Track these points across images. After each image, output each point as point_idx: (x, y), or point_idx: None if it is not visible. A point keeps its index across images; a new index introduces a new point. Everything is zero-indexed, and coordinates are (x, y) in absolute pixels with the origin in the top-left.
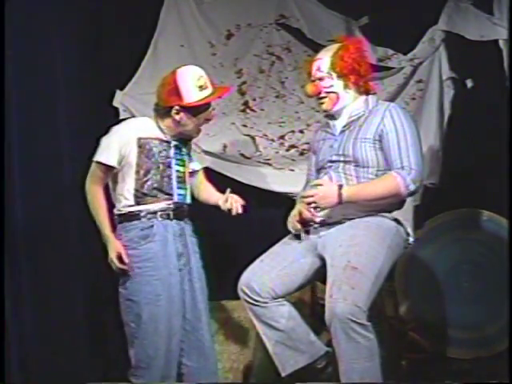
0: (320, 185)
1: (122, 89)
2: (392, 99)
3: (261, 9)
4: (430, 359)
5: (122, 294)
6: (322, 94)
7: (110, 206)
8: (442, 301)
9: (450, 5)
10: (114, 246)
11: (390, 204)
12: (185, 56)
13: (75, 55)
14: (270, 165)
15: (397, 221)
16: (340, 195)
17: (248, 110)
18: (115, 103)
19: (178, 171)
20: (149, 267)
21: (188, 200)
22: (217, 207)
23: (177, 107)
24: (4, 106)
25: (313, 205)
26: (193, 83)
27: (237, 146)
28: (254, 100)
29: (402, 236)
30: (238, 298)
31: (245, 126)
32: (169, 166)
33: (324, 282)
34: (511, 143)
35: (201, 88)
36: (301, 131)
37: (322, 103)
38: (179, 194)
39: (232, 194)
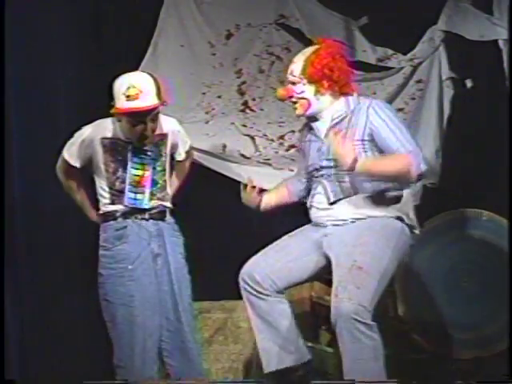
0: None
1: None
2: (392, 99)
3: (260, 9)
4: (430, 359)
5: (100, 294)
6: (294, 99)
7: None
8: (441, 301)
9: (450, 5)
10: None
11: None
12: (185, 56)
13: (75, 55)
14: (269, 165)
15: (401, 219)
16: (356, 161)
17: (248, 110)
18: None
19: (133, 175)
20: (122, 268)
21: (145, 205)
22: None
23: (113, 110)
24: (4, 106)
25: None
26: (120, 91)
27: (237, 146)
28: (254, 100)
29: (407, 234)
30: (237, 298)
31: (244, 125)
32: (125, 168)
33: (325, 281)
34: (511, 143)
35: (128, 98)
36: (300, 135)
37: (295, 108)
38: (130, 198)
39: None
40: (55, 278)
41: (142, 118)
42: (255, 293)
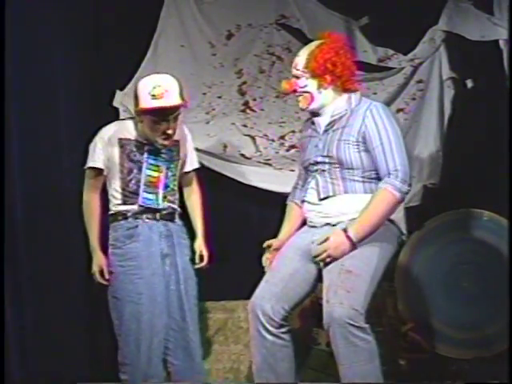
0: (327, 239)
1: (122, 89)
2: (392, 99)
3: (261, 9)
4: (429, 359)
5: (109, 292)
6: (297, 93)
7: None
8: (441, 301)
9: (450, 5)
10: (98, 260)
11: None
12: (185, 56)
13: (75, 55)
14: (270, 165)
15: (389, 220)
16: (349, 238)
17: (248, 110)
18: (115, 103)
19: (148, 175)
20: (132, 266)
21: (159, 205)
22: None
23: (137, 110)
24: (4, 106)
25: (328, 259)
26: (147, 91)
27: (237, 146)
28: (255, 100)
29: (394, 233)
30: (237, 298)
31: (245, 126)
32: (140, 169)
33: None
34: (511, 143)
35: (154, 97)
36: (301, 131)
37: (299, 101)
38: (145, 198)
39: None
40: (55, 278)
41: (167, 117)
42: (263, 330)
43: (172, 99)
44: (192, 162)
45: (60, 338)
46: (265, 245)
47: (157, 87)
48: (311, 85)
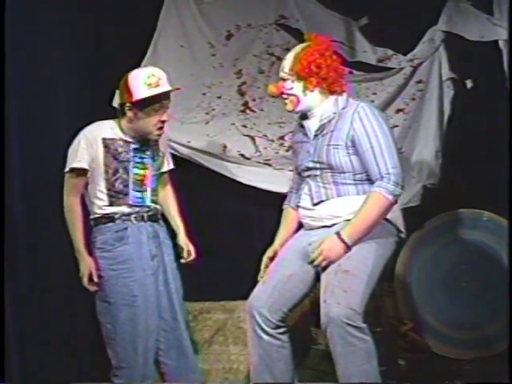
0: (322, 243)
1: None
2: (392, 99)
3: (260, 9)
4: (429, 359)
5: (98, 296)
6: (284, 96)
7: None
8: (441, 301)
9: (450, 5)
10: (87, 264)
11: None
12: (184, 56)
13: (75, 55)
14: (269, 165)
15: (384, 219)
16: (342, 240)
17: (248, 111)
18: (115, 103)
19: (136, 174)
20: (124, 269)
21: (148, 202)
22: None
23: (128, 104)
24: (4, 106)
25: (324, 263)
26: (142, 81)
27: (237, 146)
28: (254, 100)
29: (391, 232)
30: (237, 298)
31: (245, 126)
32: (125, 169)
33: None
34: (511, 143)
35: (150, 86)
36: (292, 135)
37: (286, 104)
38: (135, 197)
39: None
40: (55, 278)
41: (164, 103)
42: (259, 331)
43: (166, 85)
44: (169, 163)
45: (59, 338)
46: (268, 256)
47: (151, 76)
48: (297, 87)
